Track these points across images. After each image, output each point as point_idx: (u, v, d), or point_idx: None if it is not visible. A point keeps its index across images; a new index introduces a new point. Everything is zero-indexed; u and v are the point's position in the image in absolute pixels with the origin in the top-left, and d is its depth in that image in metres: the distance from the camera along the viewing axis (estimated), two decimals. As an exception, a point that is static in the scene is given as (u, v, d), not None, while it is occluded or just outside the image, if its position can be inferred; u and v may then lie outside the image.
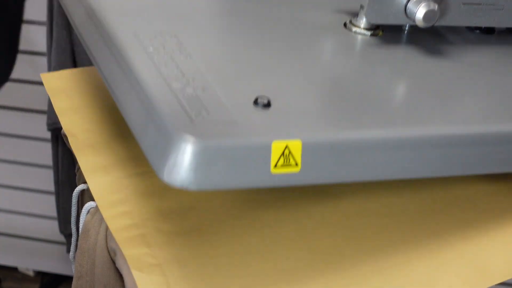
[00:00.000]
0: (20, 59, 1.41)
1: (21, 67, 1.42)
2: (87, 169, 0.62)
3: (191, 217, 0.59)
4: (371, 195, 0.63)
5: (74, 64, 1.37)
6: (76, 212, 0.70)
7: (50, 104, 1.31)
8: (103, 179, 0.61)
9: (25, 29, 1.47)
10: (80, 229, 0.71)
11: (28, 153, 1.54)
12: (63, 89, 0.70)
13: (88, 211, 0.63)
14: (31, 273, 1.69)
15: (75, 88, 0.70)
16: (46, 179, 1.54)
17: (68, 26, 1.33)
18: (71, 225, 0.71)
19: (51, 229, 1.60)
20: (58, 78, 0.71)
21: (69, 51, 1.35)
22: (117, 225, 0.57)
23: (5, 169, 1.58)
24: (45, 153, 1.48)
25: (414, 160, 0.48)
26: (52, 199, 1.49)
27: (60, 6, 1.31)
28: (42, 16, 1.36)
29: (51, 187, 1.47)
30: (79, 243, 0.71)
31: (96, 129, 0.65)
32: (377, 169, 0.47)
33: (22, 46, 1.35)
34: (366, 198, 0.62)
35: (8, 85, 1.47)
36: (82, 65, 1.37)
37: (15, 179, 1.59)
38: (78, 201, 0.69)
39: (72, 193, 0.69)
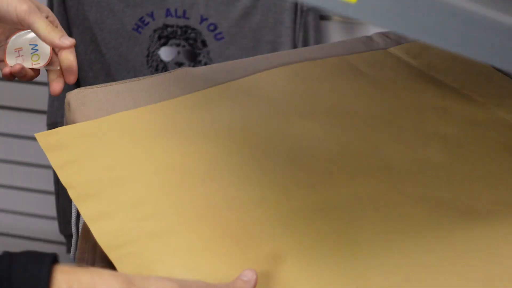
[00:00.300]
0: (20, 59, 1.41)
1: (21, 67, 1.42)
2: (89, 217, 0.60)
3: (202, 260, 0.56)
4: (392, 245, 0.59)
5: (74, 64, 1.37)
6: (76, 212, 0.70)
7: (50, 104, 1.31)
8: (107, 224, 0.58)
9: (25, 29, 1.47)
10: (80, 230, 0.71)
11: (28, 153, 1.54)
12: (58, 145, 0.70)
13: (88, 212, 0.63)
14: (31, 273, 1.69)
15: (70, 143, 0.70)
16: (46, 179, 1.53)
17: (68, 26, 1.33)
18: (72, 225, 0.71)
19: (51, 229, 1.60)
20: (53, 136, 0.71)
21: (69, 51, 1.35)
22: (126, 266, 0.55)
23: (5, 169, 1.58)
24: (45, 153, 1.48)
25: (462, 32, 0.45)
26: (52, 199, 1.49)
27: (60, 6, 1.31)
28: (42, 16, 1.36)
29: (51, 187, 1.47)
30: (79, 243, 0.71)
31: (94, 180, 0.64)
32: (430, 30, 0.44)
33: (22, 46, 1.34)
34: (387, 251, 0.58)
35: (8, 85, 1.47)
36: (82, 65, 1.37)
37: (15, 179, 1.59)
38: (78, 202, 0.69)
39: (72, 193, 0.69)
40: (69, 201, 1.36)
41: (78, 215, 0.70)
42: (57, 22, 0.74)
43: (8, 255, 0.43)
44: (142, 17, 1.32)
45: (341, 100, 0.77)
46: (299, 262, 0.56)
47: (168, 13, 1.31)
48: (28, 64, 0.72)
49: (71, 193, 0.63)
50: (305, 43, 1.28)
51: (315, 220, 0.59)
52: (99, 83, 0.80)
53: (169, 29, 1.33)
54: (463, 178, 0.65)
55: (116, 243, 0.57)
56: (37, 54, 0.72)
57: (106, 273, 0.44)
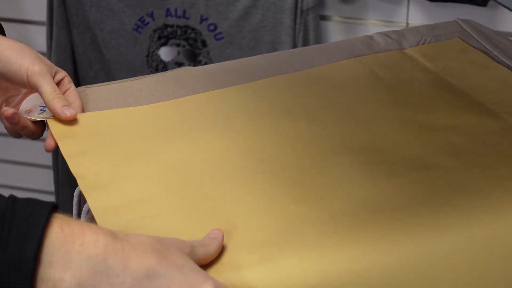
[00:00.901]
0: (20, 59, 1.41)
1: (21, 67, 1.42)
2: (97, 211, 0.60)
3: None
4: (398, 245, 0.58)
5: (74, 64, 1.37)
6: (77, 210, 0.70)
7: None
8: (113, 219, 0.58)
9: (25, 29, 1.47)
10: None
11: (28, 153, 1.54)
12: (69, 133, 0.70)
13: (89, 211, 0.63)
14: (31, 273, 1.69)
15: (82, 132, 0.70)
16: (46, 179, 1.53)
17: (68, 26, 1.33)
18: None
19: (51, 229, 1.60)
20: (65, 123, 0.71)
21: (69, 51, 1.35)
22: None
23: (5, 169, 1.58)
24: (45, 153, 1.48)
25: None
26: (52, 199, 1.49)
27: (60, 6, 1.31)
28: (42, 16, 1.36)
29: (51, 187, 1.47)
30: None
31: (105, 172, 0.64)
32: None
33: (22, 46, 1.34)
34: (393, 251, 0.57)
35: (8, 85, 1.47)
36: (82, 65, 1.37)
37: (15, 179, 1.59)
38: (79, 201, 0.69)
39: (72, 193, 0.69)
40: (69, 201, 1.36)
41: (79, 213, 0.70)
42: (72, 86, 0.73)
43: (13, 197, 0.48)
44: (142, 17, 1.33)
45: (352, 106, 0.77)
46: (303, 263, 0.56)
47: (168, 13, 1.32)
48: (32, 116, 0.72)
49: (80, 183, 0.63)
50: (305, 43, 1.28)
51: (321, 224, 0.59)
52: (99, 83, 0.80)
53: (169, 29, 1.33)
54: (471, 183, 0.65)
55: None
56: (43, 114, 0.72)
57: (94, 225, 0.50)
